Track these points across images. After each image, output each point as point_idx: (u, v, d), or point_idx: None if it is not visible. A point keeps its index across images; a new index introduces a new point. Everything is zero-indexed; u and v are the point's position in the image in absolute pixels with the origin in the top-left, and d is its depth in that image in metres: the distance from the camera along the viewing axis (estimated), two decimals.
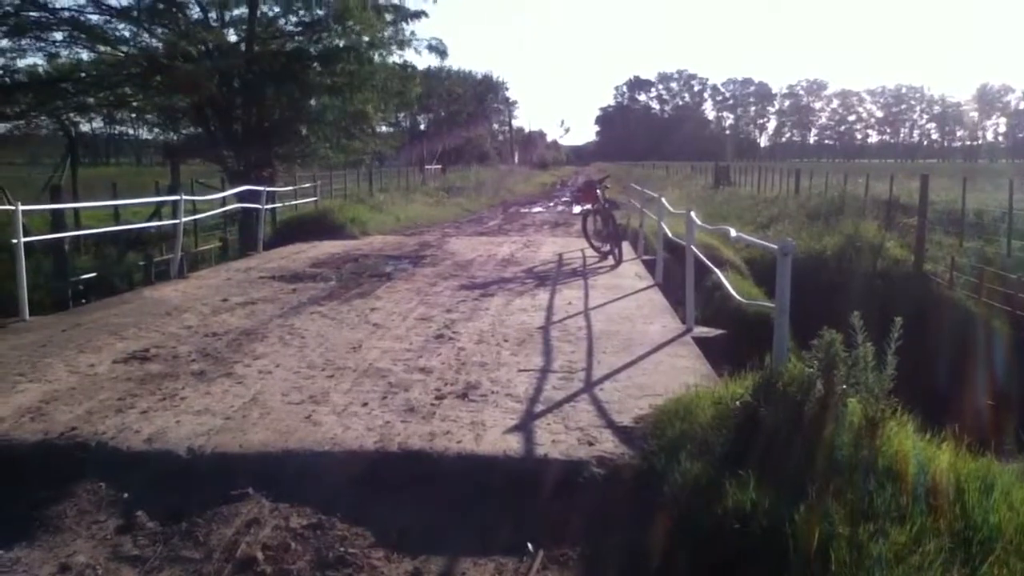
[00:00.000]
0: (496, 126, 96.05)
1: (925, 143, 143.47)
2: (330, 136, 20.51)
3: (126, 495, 3.54)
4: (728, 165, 47.83)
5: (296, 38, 19.59)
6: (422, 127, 77.57)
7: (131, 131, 67.09)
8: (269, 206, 15.11)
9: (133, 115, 35.68)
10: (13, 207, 7.43)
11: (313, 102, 20.26)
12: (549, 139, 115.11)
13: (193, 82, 16.29)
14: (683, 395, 4.32)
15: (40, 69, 19.13)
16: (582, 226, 12.77)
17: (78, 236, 14.36)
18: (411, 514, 3.42)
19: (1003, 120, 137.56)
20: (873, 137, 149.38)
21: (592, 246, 11.94)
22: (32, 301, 7.36)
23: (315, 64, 19.03)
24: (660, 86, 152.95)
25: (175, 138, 23.41)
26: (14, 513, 3.40)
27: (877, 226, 16.59)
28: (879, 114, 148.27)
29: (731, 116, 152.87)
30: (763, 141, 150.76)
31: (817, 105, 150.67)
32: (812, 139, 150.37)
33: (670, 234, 9.74)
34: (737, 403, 3.66)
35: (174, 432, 4.03)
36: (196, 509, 3.39)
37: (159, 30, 17.78)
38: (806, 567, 2.63)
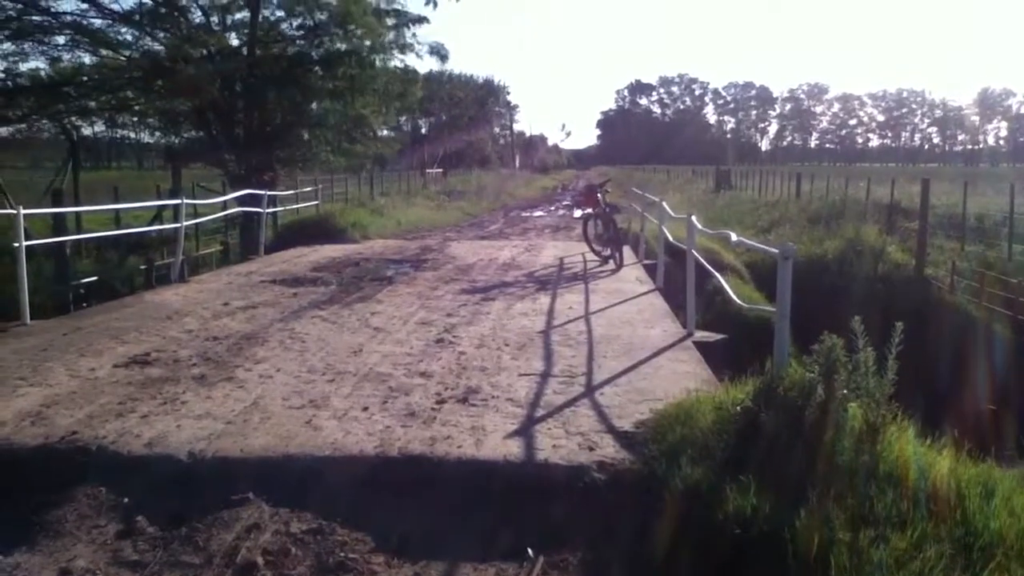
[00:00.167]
0: (497, 130, 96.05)
1: (926, 147, 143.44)
2: (331, 140, 20.53)
3: (126, 499, 3.54)
4: (729, 169, 47.95)
5: (298, 42, 19.61)
6: (423, 131, 77.61)
7: (132, 135, 67.13)
8: (270, 210, 15.12)
9: (135, 119, 35.87)
10: (15, 211, 7.45)
11: (314, 106, 20.33)
12: (550, 143, 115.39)
13: (195, 86, 16.31)
14: (684, 400, 4.31)
15: (42, 73, 19.15)
16: (583, 230, 12.77)
17: (79, 240, 14.41)
18: (412, 519, 3.41)
19: (1004, 124, 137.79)
20: (874, 141, 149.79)
21: (593, 250, 11.94)
22: (33, 305, 7.37)
23: (317, 68, 19.07)
24: (661, 90, 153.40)
25: (176, 142, 23.40)
26: (14, 517, 3.40)
27: (878, 230, 16.61)
28: (880, 118, 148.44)
29: (732, 120, 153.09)
30: (764, 145, 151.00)
31: (818, 109, 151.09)
32: (813, 143, 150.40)
33: (671, 238, 9.75)
34: (738, 408, 3.66)
35: (175, 436, 4.03)
36: (196, 514, 3.39)
37: (161, 34, 17.80)
38: (806, 572, 2.62)
